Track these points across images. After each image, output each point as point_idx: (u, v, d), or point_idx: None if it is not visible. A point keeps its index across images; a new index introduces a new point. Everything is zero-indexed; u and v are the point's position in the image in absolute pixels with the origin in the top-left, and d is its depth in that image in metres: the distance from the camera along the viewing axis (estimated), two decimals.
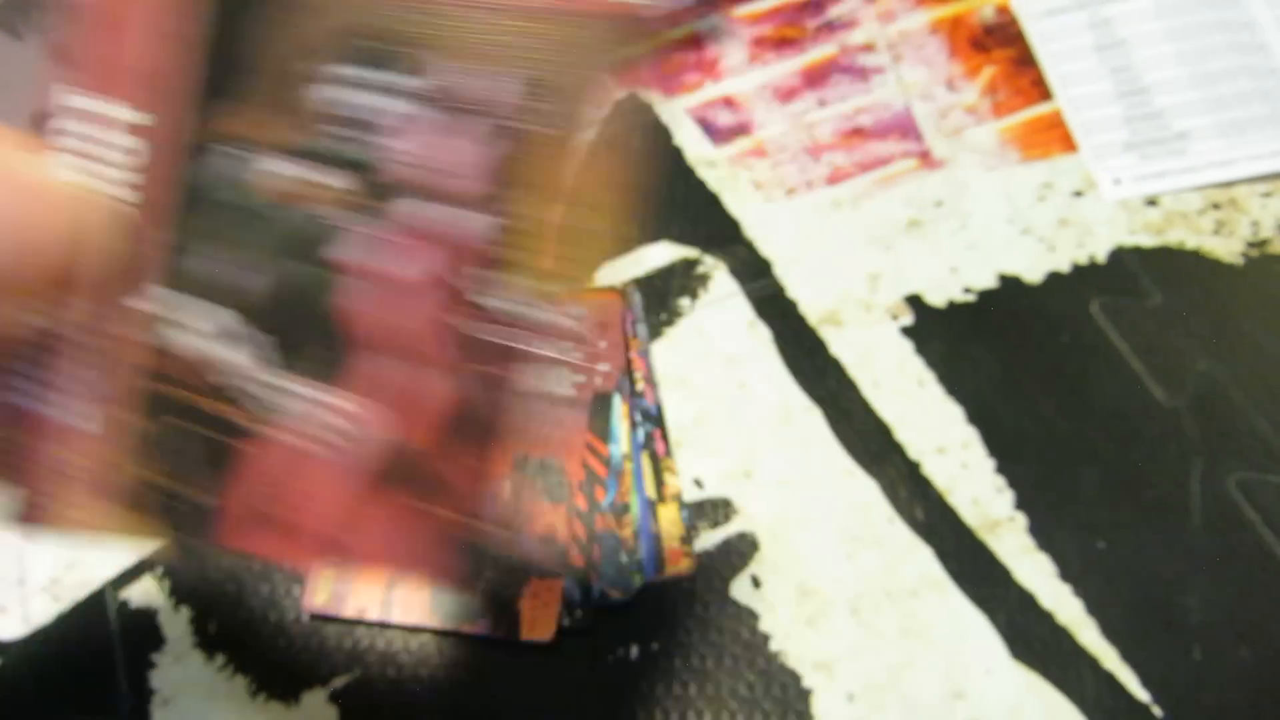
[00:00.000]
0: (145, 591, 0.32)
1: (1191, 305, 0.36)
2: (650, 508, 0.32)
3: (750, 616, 0.31)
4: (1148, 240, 0.37)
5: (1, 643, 0.31)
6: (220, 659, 0.31)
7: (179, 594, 0.32)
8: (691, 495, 0.33)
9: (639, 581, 0.31)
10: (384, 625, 0.31)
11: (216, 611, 0.32)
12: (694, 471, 0.33)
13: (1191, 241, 0.37)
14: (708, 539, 0.32)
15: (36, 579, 0.32)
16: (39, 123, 0.19)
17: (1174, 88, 0.39)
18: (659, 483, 0.33)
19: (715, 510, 0.33)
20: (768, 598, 0.31)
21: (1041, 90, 0.40)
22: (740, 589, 0.31)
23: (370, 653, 0.31)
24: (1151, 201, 0.38)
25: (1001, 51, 0.42)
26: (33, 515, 0.20)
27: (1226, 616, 0.31)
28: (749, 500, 0.33)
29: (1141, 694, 0.30)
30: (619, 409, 0.33)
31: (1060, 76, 0.40)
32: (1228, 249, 0.37)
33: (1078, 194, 0.38)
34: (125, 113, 0.19)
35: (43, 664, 0.31)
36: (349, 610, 0.30)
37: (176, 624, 0.32)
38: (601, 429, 0.33)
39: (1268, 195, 0.38)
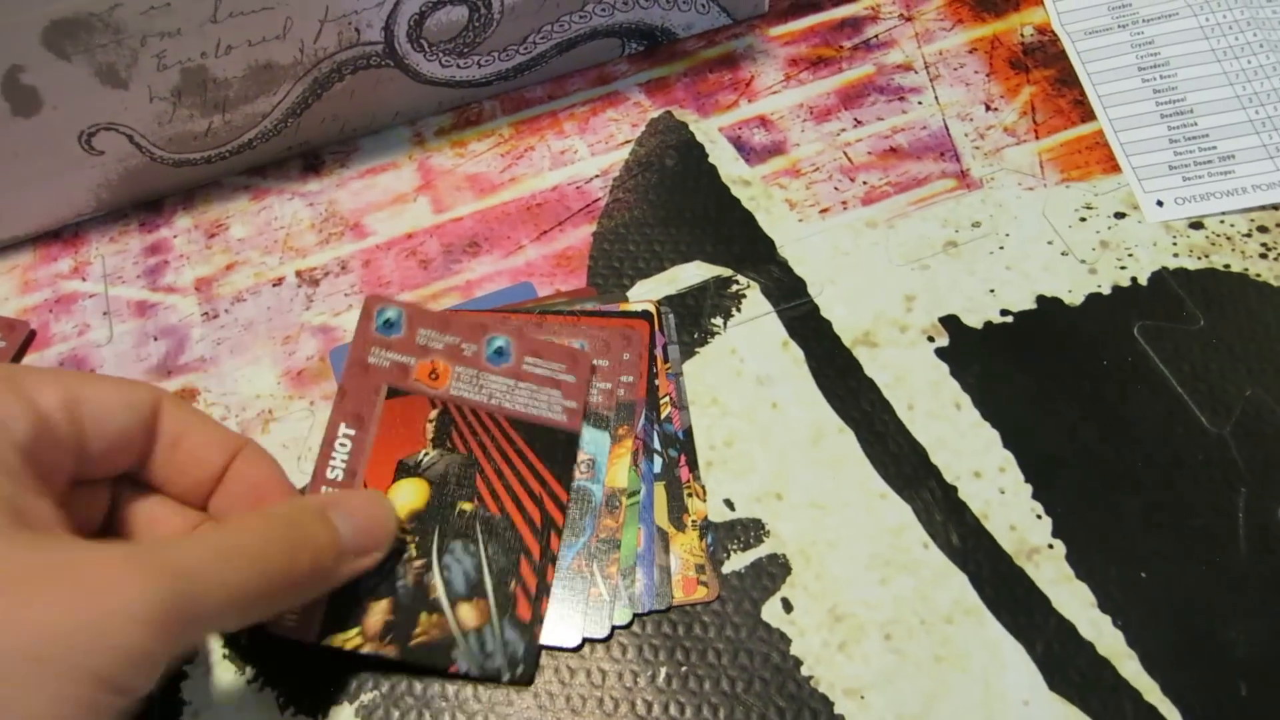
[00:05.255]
0: None
1: (1237, 329, 0.35)
2: (662, 538, 0.32)
3: (781, 640, 0.31)
4: (1192, 263, 0.36)
5: None
6: (250, 671, 0.31)
7: None
8: (722, 516, 0.33)
9: (623, 618, 0.31)
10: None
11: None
12: (724, 492, 0.33)
13: (1237, 265, 0.36)
14: (738, 561, 0.32)
15: None
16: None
17: (1219, 109, 0.39)
18: (680, 510, 0.32)
19: (746, 532, 0.32)
20: (799, 621, 0.31)
21: (1083, 111, 0.40)
22: (771, 612, 0.31)
23: (397, 667, 0.31)
24: (1196, 224, 0.37)
25: (1041, 71, 0.41)
26: None
27: (1275, 651, 0.30)
28: (780, 522, 0.32)
29: None
30: (601, 445, 0.33)
31: (1103, 97, 0.40)
32: (1275, 272, 0.36)
33: (1119, 215, 0.38)
34: None
35: None
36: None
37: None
38: (560, 472, 0.32)
39: None
